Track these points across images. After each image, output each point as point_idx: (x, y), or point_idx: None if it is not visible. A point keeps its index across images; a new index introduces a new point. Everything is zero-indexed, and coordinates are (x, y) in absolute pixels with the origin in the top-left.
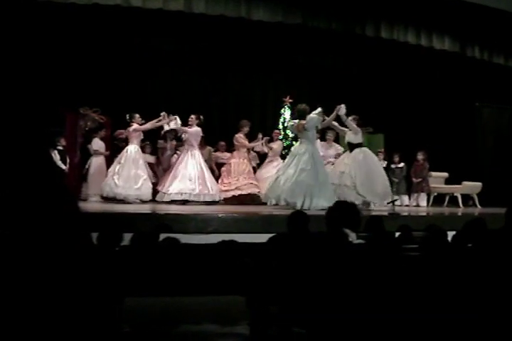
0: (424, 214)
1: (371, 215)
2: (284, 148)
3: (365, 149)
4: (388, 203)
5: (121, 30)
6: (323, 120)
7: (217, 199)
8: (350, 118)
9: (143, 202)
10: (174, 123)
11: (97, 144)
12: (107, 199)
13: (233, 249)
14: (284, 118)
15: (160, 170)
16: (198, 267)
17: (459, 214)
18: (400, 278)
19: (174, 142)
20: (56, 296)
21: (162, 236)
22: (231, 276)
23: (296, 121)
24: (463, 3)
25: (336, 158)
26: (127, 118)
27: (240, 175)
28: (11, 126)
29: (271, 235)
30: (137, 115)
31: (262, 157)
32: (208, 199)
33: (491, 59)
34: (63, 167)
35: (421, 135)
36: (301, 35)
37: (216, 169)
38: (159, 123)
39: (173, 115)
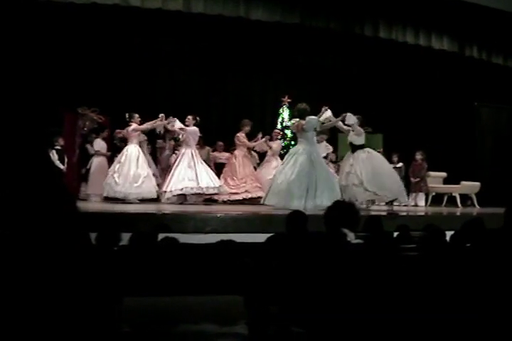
0: (423, 214)
1: (370, 215)
2: (283, 147)
3: (369, 149)
4: (387, 203)
5: (121, 30)
6: (323, 123)
7: (222, 190)
8: (356, 121)
9: (144, 200)
10: (171, 125)
11: (99, 145)
12: (107, 199)
13: (232, 248)
14: (283, 118)
15: (159, 169)
16: (196, 267)
17: (458, 214)
18: (398, 277)
19: (173, 142)
20: (55, 296)
21: (161, 235)
22: (230, 276)
23: (297, 119)
24: (461, 3)
25: (325, 157)
26: (126, 117)
27: (247, 177)
28: (10, 126)
29: (269, 235)
30: (136, 115)
31: (262, 157)
32: (211, 191)
33: (490, 59)
34: (61, 167)
35: (419, 135)
36: (300, 35)
37: (214, 169)
38: (158, 123)
39: (173, 117)
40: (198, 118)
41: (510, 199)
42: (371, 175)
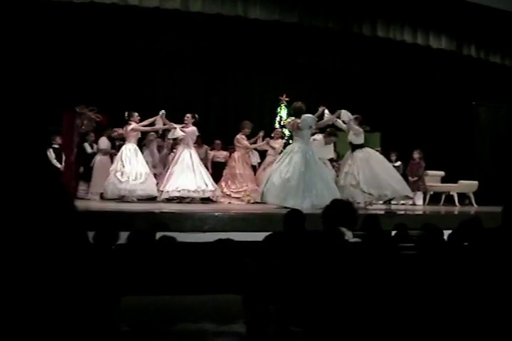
0: (421, 212)
1: (367, 214)
2: (284, 146)
3: (368, 149)
4: (384, 202)
5: (120, 29)
6: (319, 120)
7: (217, 194)
8: (352, 117)
9: (142, 199)
10: (172, 133)
11: (104, 143)
12: (108, 198)
13: (230, 247)
14: (281, 117)
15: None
16: (194, 266)
17: (455, 212)
18: (396, 276)
19: (171, 141)
20: (53, 295)
21: (158, 234)
22: (228, 275)
23: (293, 118)
24: (459, 2)
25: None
26: (125, 116)
27: (249, 180)
28: (8, 125)
29: (267, 233)
30: (136, 113)
31: (262, 156)
32: (207, 195)
33: (488, 58)
34: (58, 165)
35: (417, 133)
36: (298, 34)
37: (211, 168)
38: (157, 127)
39: (173, 125)
40: (196, 116)
41: (508, 198)
42: (368, 176)
